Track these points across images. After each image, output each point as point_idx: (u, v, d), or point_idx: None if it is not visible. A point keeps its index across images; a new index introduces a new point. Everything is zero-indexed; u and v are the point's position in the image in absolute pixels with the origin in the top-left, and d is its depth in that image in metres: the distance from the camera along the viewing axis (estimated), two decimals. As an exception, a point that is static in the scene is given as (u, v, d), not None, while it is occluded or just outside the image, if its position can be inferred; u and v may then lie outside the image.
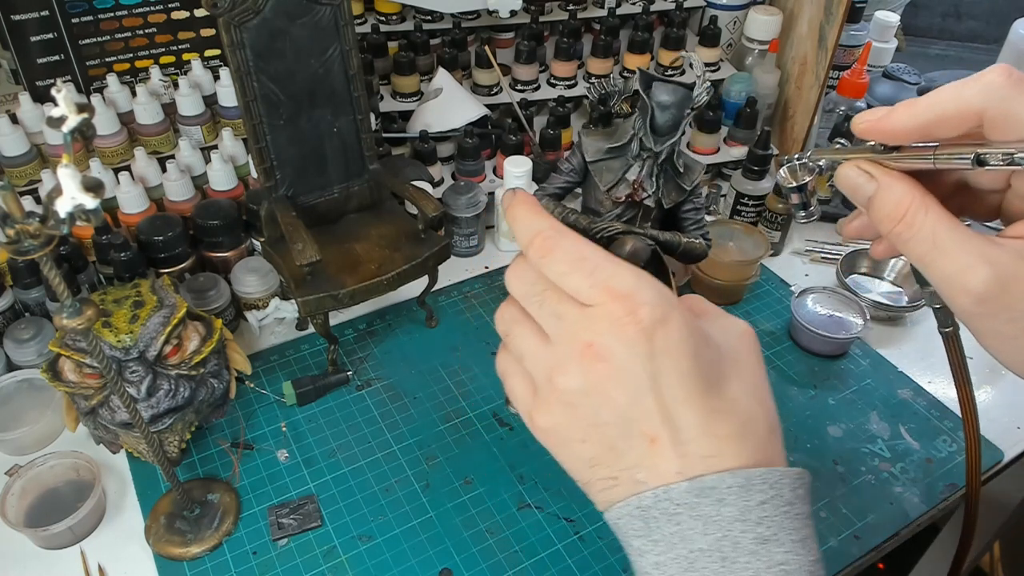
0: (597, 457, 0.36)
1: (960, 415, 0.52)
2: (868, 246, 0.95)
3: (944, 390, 0.82)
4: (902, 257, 0.98)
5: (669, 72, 1.05)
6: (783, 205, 0.48)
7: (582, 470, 0.37)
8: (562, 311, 0.36)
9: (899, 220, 0.35)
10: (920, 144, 0.35)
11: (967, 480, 0.54)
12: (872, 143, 0.37)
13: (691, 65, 0.56)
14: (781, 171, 0.42)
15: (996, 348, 0.36)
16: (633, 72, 1.03)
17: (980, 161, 0.32)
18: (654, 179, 0.56)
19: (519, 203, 0.38)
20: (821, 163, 0.40)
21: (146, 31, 0.88)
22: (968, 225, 0.35)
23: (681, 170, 0.57)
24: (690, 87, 0.54)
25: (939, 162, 0.34)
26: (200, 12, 0.89)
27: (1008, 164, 0.32)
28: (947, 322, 0.47)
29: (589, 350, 0.35)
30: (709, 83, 0.54)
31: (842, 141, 0.38)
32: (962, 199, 0.39)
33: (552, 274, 0.36)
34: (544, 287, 0.36)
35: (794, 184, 0.42)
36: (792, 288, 0.96)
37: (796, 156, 0.42)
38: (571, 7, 1.04)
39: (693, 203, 0.59)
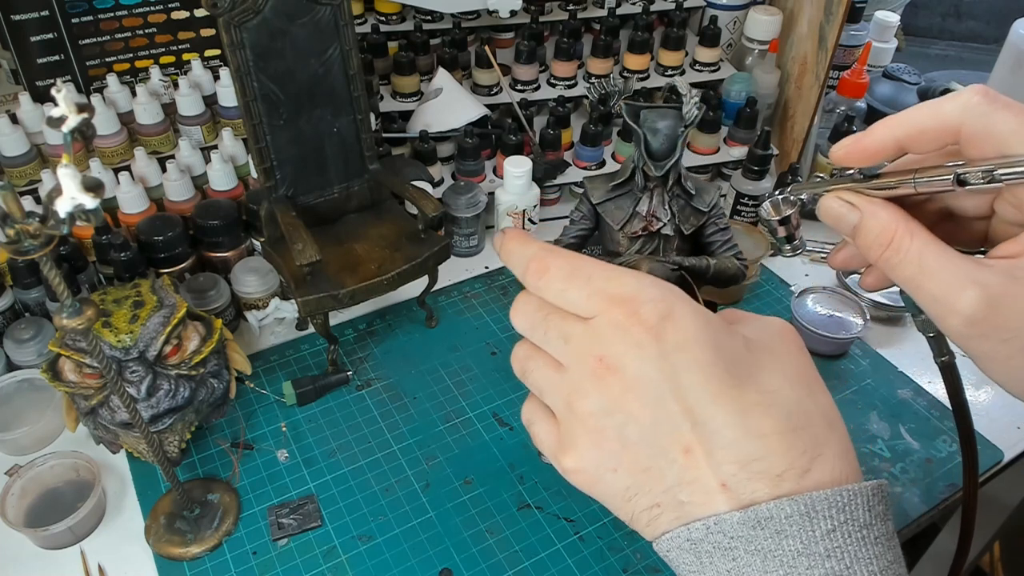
0: (634, 485, 0.33)
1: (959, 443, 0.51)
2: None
3: (944, 390, 0.82)
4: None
5: (669, 72, 1.05)
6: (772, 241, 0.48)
7: (622, 505, 0.34)
8: (567, 331, 0.34)
9: (886, 246, 0.35)
10: (900, 170, 0.35)
11: (963, 508, 0.53)
12: (851, 172, 0.37)
13: (674, 92, 0.56)
14: (764, 206, 0.42)
15: (991, 370, 0.35)
16: (633, 72, 1.04)
17: (960, 181, 0.32)
18: (667, 207, 0.55)
19: (508, 239, 0.37)
20: (803, 196, 0.40)
21: (146, 31, 0.88)
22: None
23: (693, 192, 0.56)
24: (678, 107, 0.53)
25: (919, 185, 0.34)
26: (200, 12, 0.89)
27: (988, 182, 0.31)
28: (943, 351, 0.46)
29: (600, 364, 0.32)
30: (697, 100, 0.53)
31: (821, 175, 0.38)
32: (947, 228, 0.38)
33: (550, 295, 0.34)
34: (546, 312, 0.35)
35: (778, 218, 0.42)
36: (792, 288, 0.96)
37: (778, 191, 0.42)
38: (571, 7, 1.04)
39: (716, 224, 0.57)
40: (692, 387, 0.31)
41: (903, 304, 0.90)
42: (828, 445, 0.32)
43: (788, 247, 0.43)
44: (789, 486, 0.30)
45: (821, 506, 0.30)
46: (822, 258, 1.00)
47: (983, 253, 0.35)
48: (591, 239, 0.60)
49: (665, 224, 0.55)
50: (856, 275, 0.96)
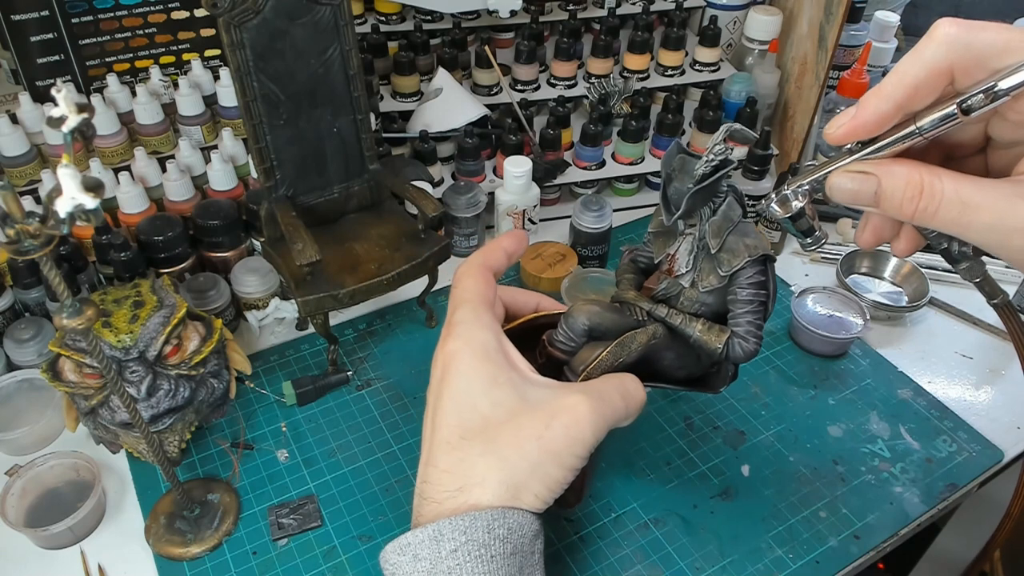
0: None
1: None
2: (860, 248, 0.94)
3: (944, 390, 0.82)
4: (902, 258, 0.97)
5: (669, 72, 1.05)
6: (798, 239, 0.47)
7: None
8: None
9: (919, 196, 0.33)
10: (898, 124, 0.34)
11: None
12: (848, 147, 0.36)
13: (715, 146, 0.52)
14: (771, 207, 0.41)
15: None
16: (633, 72, 1.04)
17: (964, 109, 0.31)
18: (691, 258, 0.51)
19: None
20: (806, 187, 0.39)
21: (146, 31, 0.88)
22: None
23: (713, 251, 0.49)
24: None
25: (924, 131, 0.33)
26: (200, 12, 0.89)
27: (992, 100, 0.31)
28: (995, 293, 0.44)
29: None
30: (715, 157, 0.46)
31: (812, 162, 0.37)
32: None
33: None
34: None
35: (790, 214, 0.41)
36: (792, 288, 0.96)
37: (782, 188, 0.41)
38: (571, 7, 1.04)
39: (735, 294, 0.50)
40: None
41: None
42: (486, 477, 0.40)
43: (809, 240, 0.42)
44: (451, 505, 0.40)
45: (446, 529, 0.37)
46: (822, 258, 1.00)
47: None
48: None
49: (683, 274, 0.51)
50: (856, 275, 0.96)
